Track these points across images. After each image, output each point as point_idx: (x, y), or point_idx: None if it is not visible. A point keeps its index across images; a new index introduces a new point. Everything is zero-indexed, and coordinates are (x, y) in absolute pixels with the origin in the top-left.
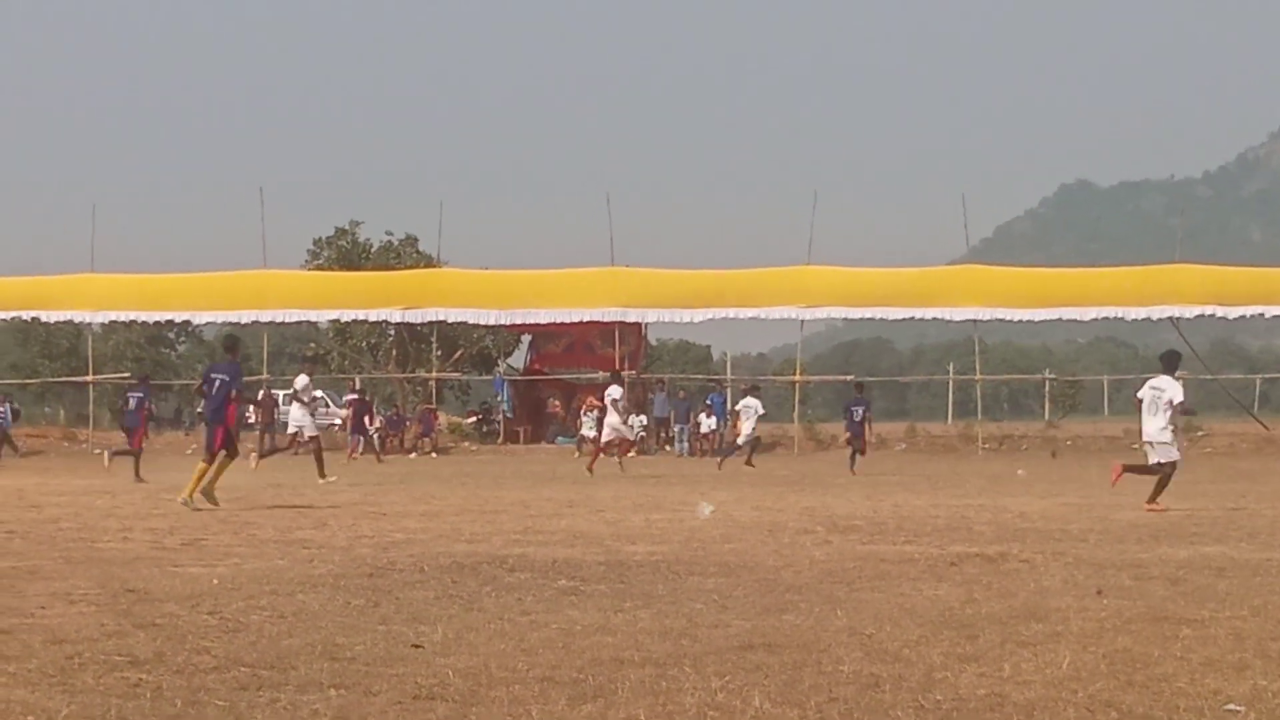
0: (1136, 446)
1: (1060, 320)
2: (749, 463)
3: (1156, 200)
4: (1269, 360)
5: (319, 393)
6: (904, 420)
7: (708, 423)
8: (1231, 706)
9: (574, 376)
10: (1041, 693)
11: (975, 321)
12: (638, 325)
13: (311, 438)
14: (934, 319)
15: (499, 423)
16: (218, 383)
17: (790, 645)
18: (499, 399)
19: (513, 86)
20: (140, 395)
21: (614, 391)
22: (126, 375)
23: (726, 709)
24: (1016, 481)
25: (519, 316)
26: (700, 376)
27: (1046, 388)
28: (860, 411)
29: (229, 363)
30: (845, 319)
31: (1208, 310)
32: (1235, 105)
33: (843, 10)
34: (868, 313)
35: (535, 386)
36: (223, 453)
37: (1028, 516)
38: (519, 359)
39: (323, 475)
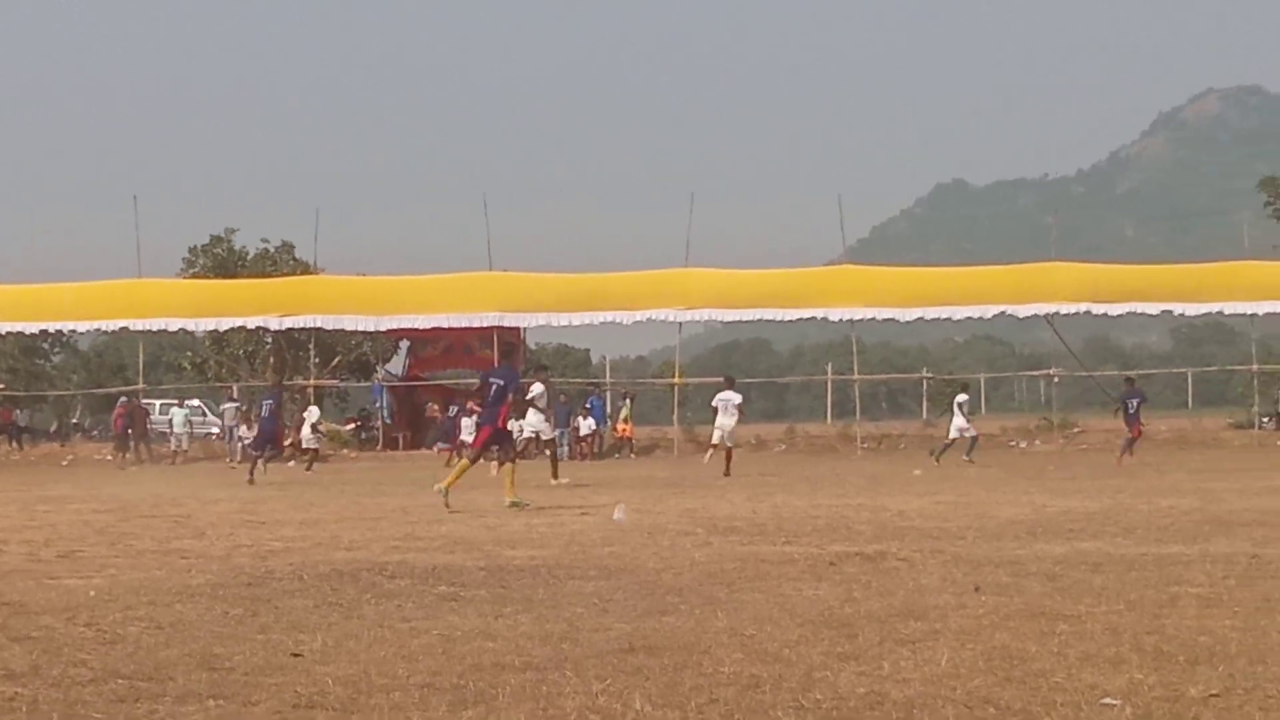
0: (1013, 443)
1: (937, 319)
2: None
3: (1031, 199)
4: (1143, 357)
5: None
6: (783, 421)
7: (586, 425)
8: (1107, 700)
9: (453, 382)
10: (920, 690)
11: (853, 321)
12: (516, 329)
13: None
14: (812, 319)
15: (378, 429)
16: (494, 387)
17: (671, 647)
18: (377, 406)
19: (387, 90)
20: (271, 402)
21: (535, 389)
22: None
23: (607, 712)
24: (896, 480)
25: (397, 322)
26: (579, 380)
27: (925, 387)
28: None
29: (506, 368)
30: (724, 321)
31: (1082, 308)
32: (1107, 104)
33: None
34: (746, 314)
35: (414, 392)
36: (495, 453)
37: (907, 515)
38: (397, 365)
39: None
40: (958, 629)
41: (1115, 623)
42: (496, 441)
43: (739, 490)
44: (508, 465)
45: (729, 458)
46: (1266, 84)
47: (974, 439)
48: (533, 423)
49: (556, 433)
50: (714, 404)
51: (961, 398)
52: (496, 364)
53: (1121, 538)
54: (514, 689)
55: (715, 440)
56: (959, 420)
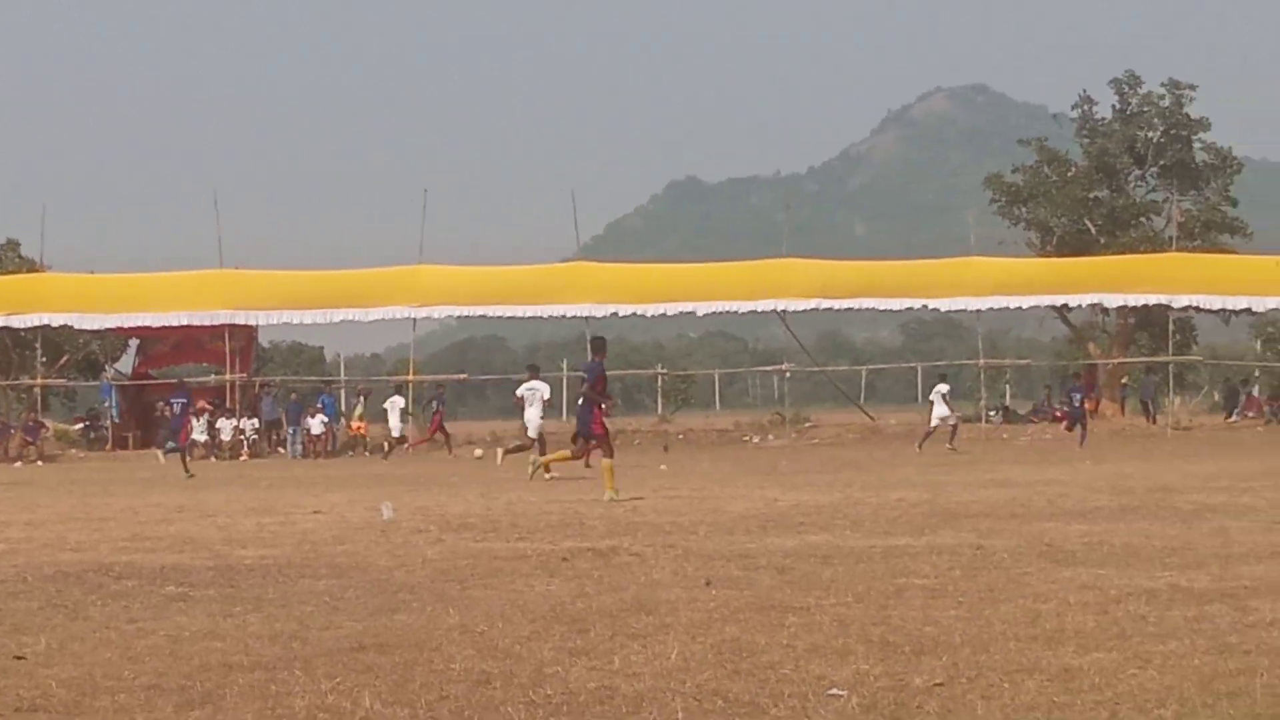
0: (746, 438)
1: (671, 315)
2: None
3: (764, 196)
4: (875, 352)
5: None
6: (519, 418)
7: (316, 424)
8: (834, 691)
9: (183, 380)
10: (650, 684)
11: (588, 318)
12: (248, 326)
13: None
14: (547, 316)
15: (107, 429)
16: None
17: (402, 645)
18: (106, 405)
19: (114, 85)
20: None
21: (543, 390)
22: None
23: (336, 710)
24: (629, 476)
25: (126, 320)
26: (313, 378)
27: (659, 383)
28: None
29: (594, 362)
30: (459, 317)
31: (814, 303)
32: (838, 101)
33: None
34: (481, 311)
35: (144, 391)
36: (581, 444)
37: (639, 510)
38: (127, 364)
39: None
40: (688, 623)
41: (843, 614)
42: (596, 434)
43: (473, 487)
44: (608, 461)
45: (543, 449)
46: (992, 83)
47: (954, 427)
48: (530, 419)
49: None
50: (519, 393)
51: (943, 387)
52: (597, 359)
53: (850, 530)
54: (242, 689)
55: (533, 434)
56: (940, 409)
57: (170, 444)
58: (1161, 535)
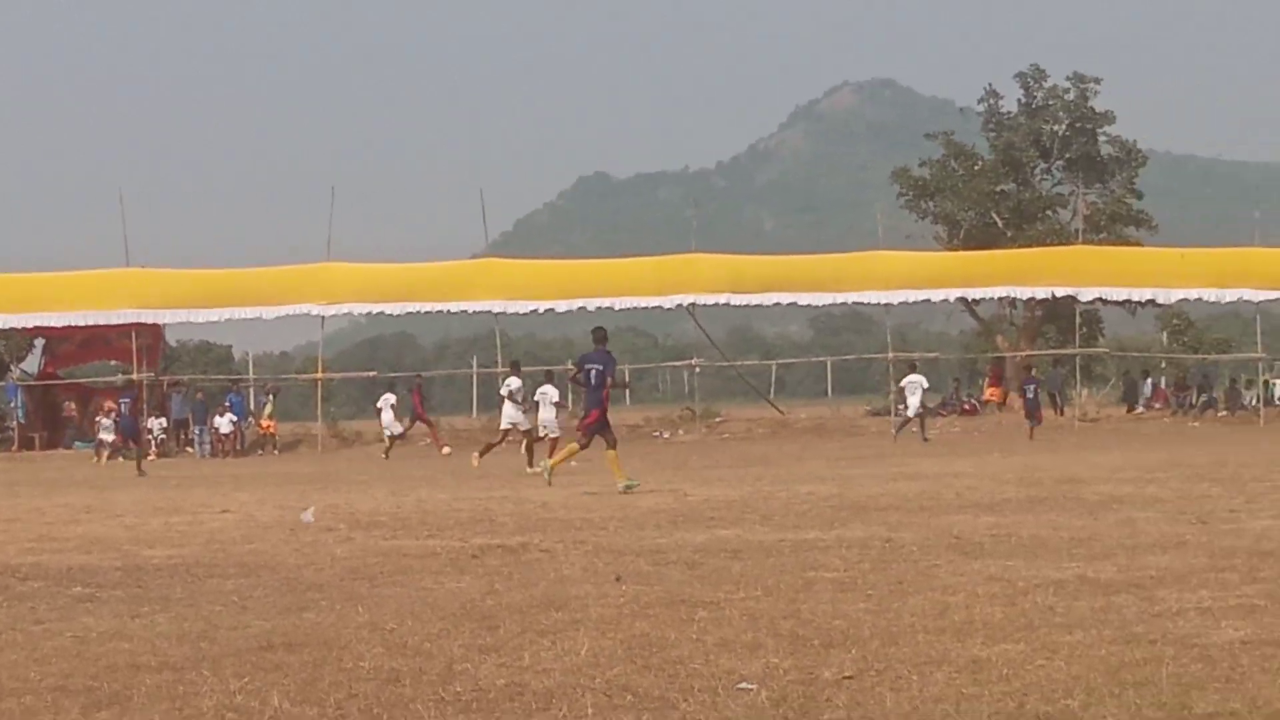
0: (657, 434)
1: (581, 310)
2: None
3: (673, 191)
4: (784, 346)
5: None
6: (429, 415)
7: (224, 423)
8: (744, 685)
9: (90, 380)
10: (560, 680)
11: (497, 314)
12: (154, 325)
13: (524, 431)
14: (457, 313)
15: (13, 430)
16: (593, 371)
17: (310, 643)
18: (11, 405)
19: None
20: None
21: (512, 383)
22: None
23: (245, 710)
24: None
25: (31, 320)
26: (221, 377)
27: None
28: None
29: (602, 351)
30: (367, 314)
31: (723, 298)
32: (746, 96)
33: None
34: (389, 308)
35: (50, 391)
36: (595, 437)
37: (550, 506)
38: (33, 364)
39: (530, 465)
40: (598, 618)
41: (753, 608)
42: (602, 426)
43: (382, 485)
44: (612, 451)
45: (553, 447)
46: (899, 77)
47: (920, 418)
48: (509, 415)
49: (527, 425)
50: (535, 398)
51: (918, 378)
52: (604, 348)
53: (760, 525)
54: (149, 689)
55: (542, 433)
56: (914, 399)
57: (78, 442)
58: (1069, 526)
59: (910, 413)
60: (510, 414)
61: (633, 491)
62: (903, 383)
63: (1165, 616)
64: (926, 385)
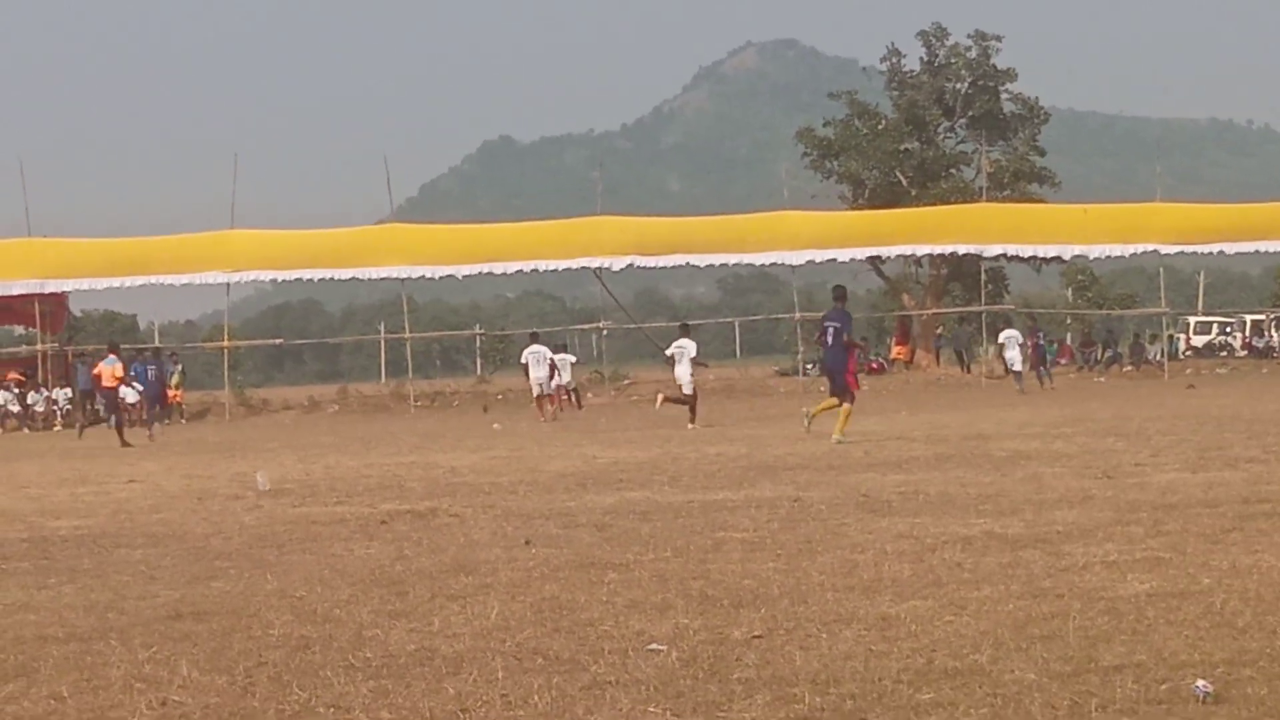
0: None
1: (488, 274)
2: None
3: (578, 154)
4: (692, 308)
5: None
6: (336, 382)
7: (130, 393)
8: (654, 646)
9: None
10: (470, 644)
11: (403, 280)
12: (60, 295)
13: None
14: (363, 279)
15: None
16: (831, 330)
17: (219, 612)
18: None
19: None
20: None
21: (687, 346)
22: None
23: (153, 680)
24: (448, 437)
25: None
26: (128, 346)
27: (477, 343)
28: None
29: (839, 310)
30: (273, 281)
31: (630, 260)
32: (649, 58)
33: None
34: (295, 275)
35: None
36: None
37: (459, 471)
38: None
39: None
40: (508, 582)
41: (662, 569)
42: (845, 383)
43: (291, 452)
44: (846, 405)
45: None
46: (802, 38)
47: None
48: (683, 375)
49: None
50: (669, 354)
51: (1013, 333)
52: (843, 306)
53: (669, 486)
54: (57, 660)
55: (688, 391)
56: (1011, 353)
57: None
58: (976, 483)
59: (1015, 366)
60: (684, 376)
61: (844, 445)
62: (1000, 339)
63: (1072, 571)
64: (1020, 338)
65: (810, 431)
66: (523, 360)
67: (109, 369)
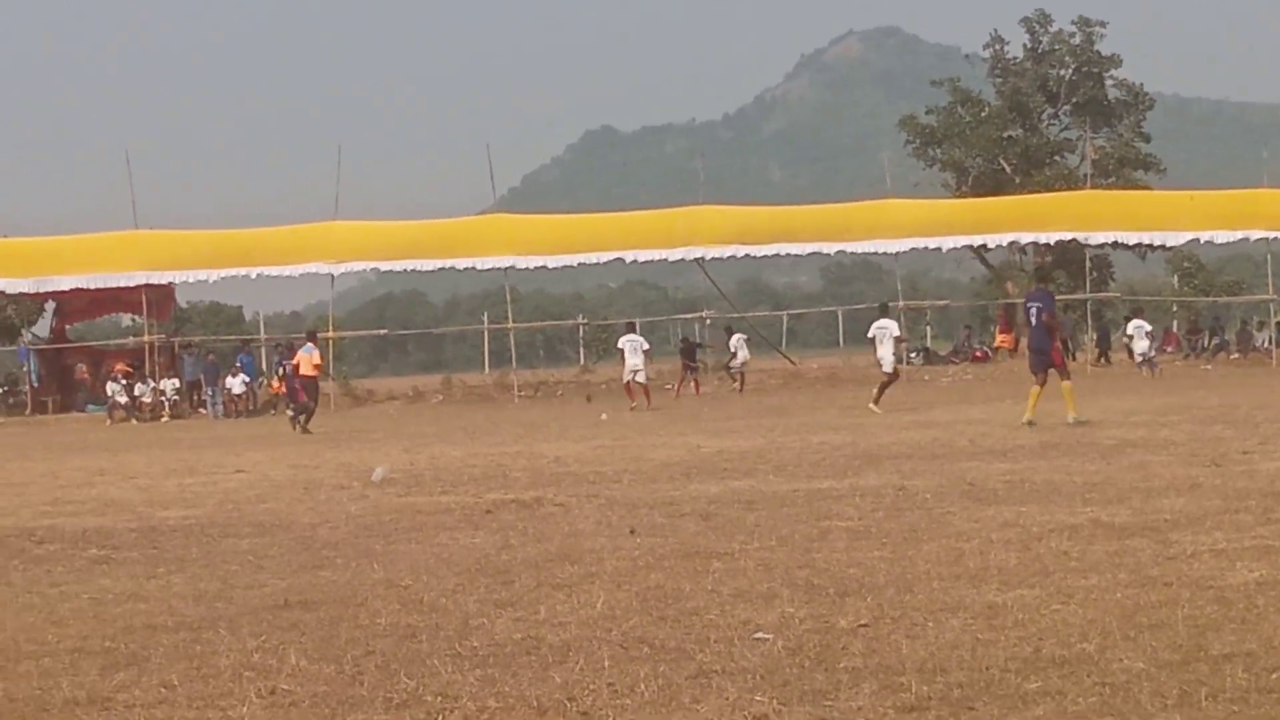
0: (669, 386)
1: (590, 265)
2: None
3: (679, 144)
4: (794, 297)
5: None
6: (440, 372)
7: (237, 384)
8: (760, 635)
9: (101, 343)
10: (576, 633)
11: (506, 270)
12: (165, 285)
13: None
14: (466, 269)
15: (25, 393)
16: (1033, 310)
17: (327, 601)
18: (24, 369)
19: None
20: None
21: (892, 327)
22: None
23: (262, 669)
24: (553, 427)
25: (42, 285)
26: (232, 337)
27: (580, 333)
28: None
29: (1041, 290)
30: (377, 272)
31: (733, 250)
32: (751, 47)
33: None
34: (399, 265)
35: (62, 354)
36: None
37: (563, 461)
38: (44, 327)
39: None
40: (613, 571)
41: (767, 558)
42: (1047, 362)
43: (396, 442)
44: (1067, 383)
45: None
46: (904, 25)
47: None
48: (886, 358)
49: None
50: (870, 335)
51: (1141, 323)
52: (1045, 286)
53: (774, 475)
54: (167, 649)
55: (888, 370)
56: (1140, 344)
57: (91, 405)
58: (1082, 471)
59: (1144, 354)
60: (886, 357)
61: (1084, 425)
62: (1129, 329)
63: (1180, 559)
64: (1149, 327)
65: (1034, 425)
66: (619, 346)
67: (307, 357)
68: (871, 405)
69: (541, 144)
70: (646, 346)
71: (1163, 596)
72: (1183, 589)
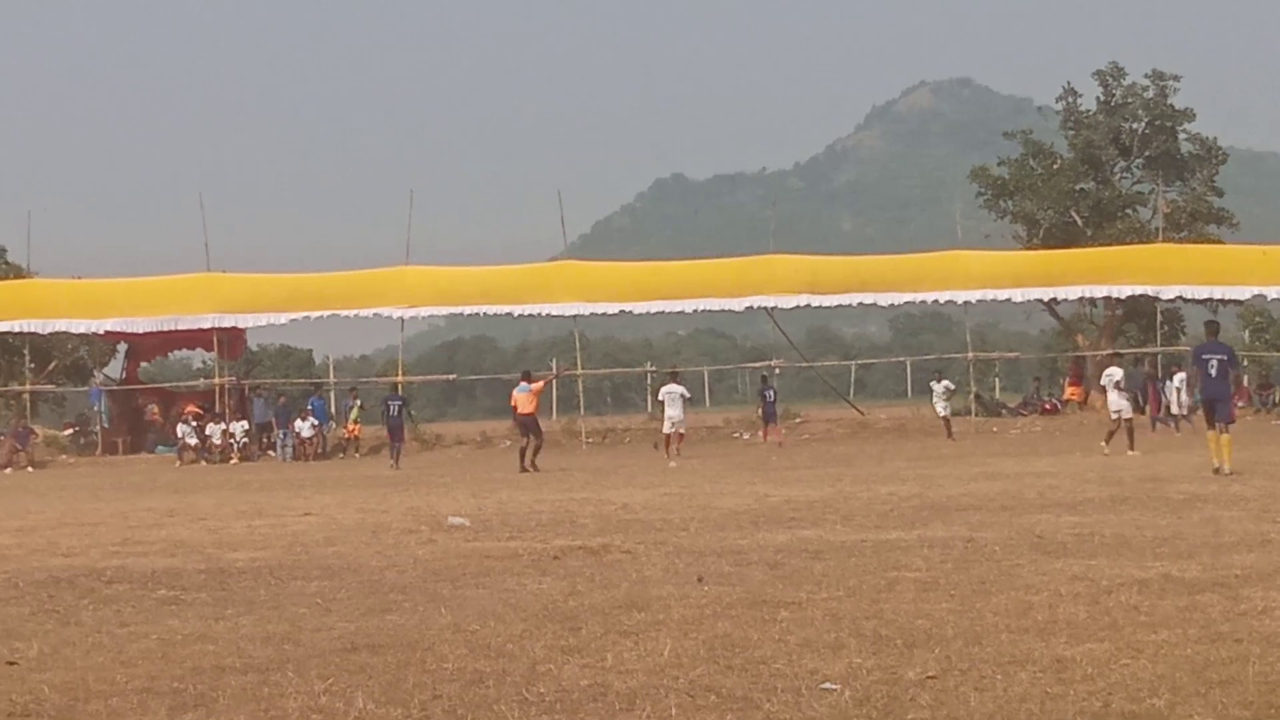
0: (737, 435)
1: (660, 313)
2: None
3: (750, 192)
4: (863, 347)
5: None
6: (508, 418)
7: (306, 427)
8: (828, 685)
9: (172, 385)
10: (643, 680)
11: (576, 316)
12: (239, 329)
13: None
14: (536, 315)
15: (97, 434)
16: (1216, 362)
17: (394, 645)
18: (96, 409)
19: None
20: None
21: (1115, 373)
22: None
23: (330, 711)
24: (620, 474)
25: (114, 326)
26: (302, 380)
27: (648, 380)
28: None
29: (1218, 343)
30: (447, 317)
31: (802, 300)
32: (822, 97)
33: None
34: (469, 310)
35: (133, 395)
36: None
37: (630, 508)
38: (115, 369)
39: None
40: (680, 619)
41: (835, 609)
42: (1230, 413)
43: (464, 487)
44: (1226, 436)
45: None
46: (976, 76)
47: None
48: (1116, 403)
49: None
50: (660, 397)
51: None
52: (1216, 338)
53: (841, 525)
54: (235, 691)
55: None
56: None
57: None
58: (1152, 525)
59: (1175, 409)
60: (1117, 402)
61: (1223, 475)
62: (1175, 382)
63: (1251, 615)
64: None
65: (1225, 473)
66: (659, 398)
67: (523, 396)
68: (1105, 448)
69: (613, 191)
70: (688, 395)
71: (1233, 652)
72: (1253, 645)
